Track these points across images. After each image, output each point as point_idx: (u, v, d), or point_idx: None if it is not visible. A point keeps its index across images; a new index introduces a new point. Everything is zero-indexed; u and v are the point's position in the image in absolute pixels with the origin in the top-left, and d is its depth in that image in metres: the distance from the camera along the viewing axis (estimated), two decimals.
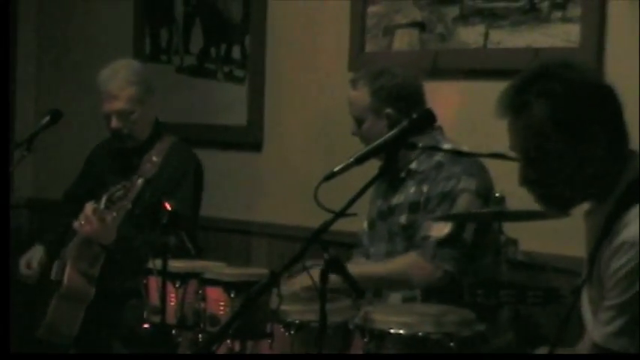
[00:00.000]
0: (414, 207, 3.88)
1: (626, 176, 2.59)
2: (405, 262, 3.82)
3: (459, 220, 3.74)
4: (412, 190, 3.91)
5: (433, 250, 3.75)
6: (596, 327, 2.55)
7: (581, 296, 2.70)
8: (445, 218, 3.73)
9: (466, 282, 3.74)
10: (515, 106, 2.62)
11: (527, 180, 2.66)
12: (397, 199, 3.95)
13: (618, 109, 2.63)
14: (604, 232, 2.56)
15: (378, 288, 3.89)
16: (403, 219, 3.91)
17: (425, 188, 3.87)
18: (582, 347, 2.69)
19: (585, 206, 2.71)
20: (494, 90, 4.16)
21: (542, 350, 2.83)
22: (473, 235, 3.78)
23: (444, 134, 3.94)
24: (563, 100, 2.57)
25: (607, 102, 2.62)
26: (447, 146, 3.86)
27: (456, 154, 3.82)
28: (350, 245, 4.16)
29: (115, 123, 4.44)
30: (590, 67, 2.67)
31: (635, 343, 2.46)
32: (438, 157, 3.87)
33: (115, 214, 4.27)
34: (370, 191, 3.27)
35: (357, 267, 3.75)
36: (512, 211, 3.61)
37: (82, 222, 4.28)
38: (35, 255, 4.53)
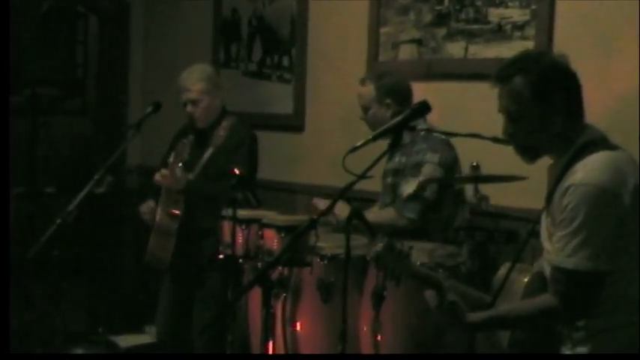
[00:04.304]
0: (396, 172, 3.83)
1: (580, 140, 2.55)
2: (387, 213, 3.76)
3: (438, 183, 3.67)
4: (396, 159, 3.85)
5: (402, 204, 3.69)
6: (553, 254, 2.52)
7: (540, 227, 2.66)
8: (429, 182, 3.66)
9: (432, 227, 3.70)
10: (503, 77, 2.58)
11: (508, 133, 2.62)
12: (388, 165, 3.90)
13: (578, 89, 2.59)
14: (558, 178, 2.53)
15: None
16: (390, 180, 3.86)
17: (403, 159, 3.81)
18: (539, 263, 2.67)
19: (548, 161, 2.67)
20: (473, 89, 4.16)
21: (504, 267, 2.79)
22: (435, 194, 3.71)
23: (425, 118, 3.86)
24: (537, 76, 2.53)
25: (570, 83, 2.58)
26: (436, 128, 3.79)
27: (441, 134, 3.76)
28: (367, 200, 4.11)
29: (189, 108, 4.42)
30: (560, 56, 2.61)
31: (584, 262, 2.43)
32: (410, 136, 3.79)
33: (180, 164, 4.26)
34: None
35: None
36: (485, 175, 3.57)
37: (160, 177, 4.29)
38: (150, 204, 4.49)
